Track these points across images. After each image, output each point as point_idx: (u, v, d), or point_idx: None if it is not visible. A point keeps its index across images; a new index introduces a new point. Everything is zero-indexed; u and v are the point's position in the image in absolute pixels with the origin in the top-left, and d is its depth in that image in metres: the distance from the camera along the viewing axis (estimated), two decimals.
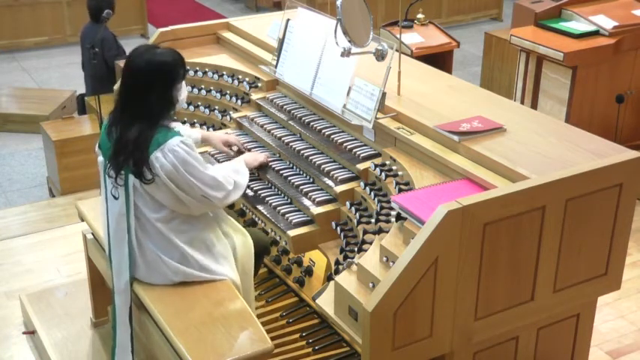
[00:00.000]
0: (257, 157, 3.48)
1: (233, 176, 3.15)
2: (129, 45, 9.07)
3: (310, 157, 3.39)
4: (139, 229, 3.02)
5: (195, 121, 4.10)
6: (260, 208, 3.34)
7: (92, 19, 6.38)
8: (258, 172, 3.49)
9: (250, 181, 3.36)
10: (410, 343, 2.54)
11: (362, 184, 3.15)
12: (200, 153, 3.19)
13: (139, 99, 2.95)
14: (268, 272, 3.87)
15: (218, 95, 4.07)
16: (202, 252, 3.08)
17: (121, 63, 6.08)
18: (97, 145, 3.15)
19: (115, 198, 3.03)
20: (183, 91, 3.13)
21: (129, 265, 3.05)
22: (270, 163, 3.50)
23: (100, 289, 3.78)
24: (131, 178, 2.95)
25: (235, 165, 3.30)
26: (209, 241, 3.11)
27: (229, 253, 3.18)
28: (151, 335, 3.07)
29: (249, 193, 3.43)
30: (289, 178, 3.38)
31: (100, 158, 3.11)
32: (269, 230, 3.34)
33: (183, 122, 4.08)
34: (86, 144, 5.87)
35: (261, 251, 3.42)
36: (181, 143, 2.94)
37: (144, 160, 2.90)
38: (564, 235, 2.71)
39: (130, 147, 2.92)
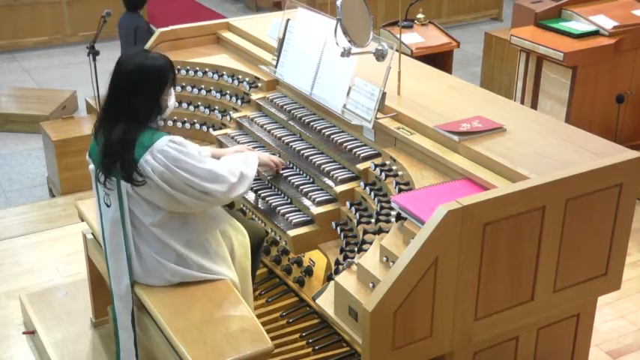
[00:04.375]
0: (273, 158, 3.40)
1: (240, 167, 3.08)
2: None
3: (310, 157, 3.39)
4: (135, 234, 3.00)
5: (195, 121, 4.10)
6: (260, 208, 3.34)
7: (127, 7, 6.40)
8: (270, 182, 3.44)
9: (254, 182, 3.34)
10: (410, 343, 2.54)
11: (362, 184, 3.15)
12: None
13: (126, 100, 2.92)
14: (268, 272, 3.87)
15: (218, 95, 4.07)
16: (199, 253, 3.07)
17: None
18: (88, 153, 3.13)
19: (108, 205, 3.01)
20: (172, 98, 3.08)
21: (128, 271, 3.04)
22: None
23: (100, 289, 3.78)
24: (123, 184, 2.92)
25: (245, 157, 3.21)
26: (206, 243, 3.09)
27: (226, 254, 3.16)
28: (150, 335, 3.07)
29: (250, 193, 3.42)
30: (289, 178, 3.37)
31: (91, 166, 3.08)
32: (269, 230, 3.34)
33: (183, 122, 4.08)
34: (86, 144, 5.79)
35: (257, 244, 3.41)
36: (170, 142, 2.90)
37: (131, 162, 2.86)
38: (564, 235, 2.71)
39: (116, 147, 2.89)
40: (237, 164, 3.09)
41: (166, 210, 2.98)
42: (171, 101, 3.08)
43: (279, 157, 3.52)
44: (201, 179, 2.92)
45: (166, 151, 2.88)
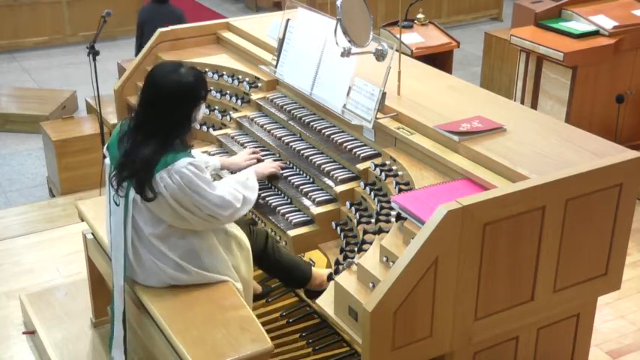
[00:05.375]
0: (268, 165, 3.40)
1: (242, 191, 3.10)
2: (128, 45, 9.09)
3: (310, 157, 3.39)
4: (135, 239, 3.01)
5: None
6: (260, 208, 3.34)
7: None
8: (271, 182, 3.43)
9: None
10: (410, 343, 2.54)
11: (362, 184, 3.15)
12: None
13: (158, 120, 2.92)
14: None
15: (218, 95, 4.07)
16: (197, 265, 3.07)
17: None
18: (106, 146, 3.14)
19: (117, 204, 3.03)
20: (201, 112, 3.10)
21: (124, 271, 3.05)
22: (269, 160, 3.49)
23: (100, 289, 3.78)
24: (132, 191, 2.94)
25: (245, 179, 3.20)
26: (205, 256, 3.08)
27: (226, 265, 3.15)
28: (150, 335, 3.07)
29: None
30: (289, 178, 3.37)
31: (107, 161, 3.10)
32: (269, 230, 3.34)
33: None
34: (86, 144, 5.88)
35: (263, 245, 3.41)
36: (189, 165, 2.90)
37: (148, 180, 2.88)
38: (564, 235, 2.71)
39: (137, 165, 2.89)
40: (239, 188, 3.10)
41: (168, 223, 2.99)
42: (200, 114, 3.09)
43: (279, 156, 3.51)
44: (211, 204, 2.95)
45: (184, 173, 2.89)
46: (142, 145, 2.92)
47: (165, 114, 2.93)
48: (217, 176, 3.49)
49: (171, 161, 2.89)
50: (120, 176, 2.95)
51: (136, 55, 6.81)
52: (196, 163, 2.94)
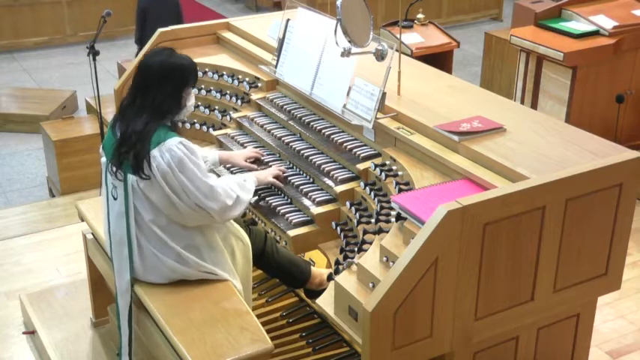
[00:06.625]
0: (271, 173, 3.36)
1: (237, 191, 3.08)
2: (128, 45, 9.10)
3: (310, 157, 3.39)
4: (137, 230, 3.01)
5: (195, 121, 4.10)
6: (260, 208, 3.34)
7: None
8: (275, 188, 3.41)
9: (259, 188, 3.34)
10: (410, 343, 2.54)
11: (362, 184, 3.15)
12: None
13: (150, 92, 2.97)
14: None
15: (218, 95, 4.07)
16: (199, 257, 3.07)
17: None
18: (102, 145, 3.15)
19: (115, 198, 3.03)
20: (192, 99, 3.13)
21: (129, 266, 3.05)
22: (269, 162, 3.49)
23: (100, 289, 3.78)
24: (130, 178, 2.94)
25: (242, 180, 3.19)
26: (206, 249, 3.08)
27: (227, 261, 3.15)
28: (150, 335, 3.07)
29: None
30: (289, 178, 3.37)
31: (103, 159, 3.11)
32: (269, 230, 3.34)
33: (183, 122, 4.08)
34: (86, 144, 5.88)
35: (261, 246, 3.41)
36: (180, 144, 2.92)
37: (145, 152, 2.89)
38: (564, 235, 2.71)
39: (134, 138, 2.92)
40: (234, 187, 3.09)
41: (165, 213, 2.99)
42: (191, 102, 3.13)
43: (279, 156, 3.51)
44: (199, 192, 2.94)
45: (174, 151, 2.90)
46: (136, 118, 2.96)
47: (153, 90, 2.97)
48: (213, 172, 3.49)
49: (162, 139, 2.91)
50: (119, 154, 2.96)
51: (136, 41, 6.84)
52: (187, 143, 2.95)
